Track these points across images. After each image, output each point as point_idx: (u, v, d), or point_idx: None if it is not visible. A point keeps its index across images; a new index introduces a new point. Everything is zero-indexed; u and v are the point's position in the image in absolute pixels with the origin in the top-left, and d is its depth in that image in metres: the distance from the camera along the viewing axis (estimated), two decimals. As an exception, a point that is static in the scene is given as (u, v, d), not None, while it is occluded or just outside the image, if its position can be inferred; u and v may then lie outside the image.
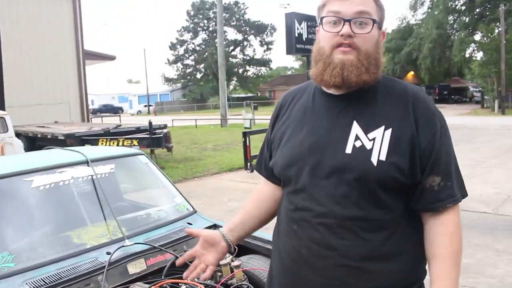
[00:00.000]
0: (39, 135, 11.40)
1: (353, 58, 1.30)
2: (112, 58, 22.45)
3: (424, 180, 1.31)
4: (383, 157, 1.27)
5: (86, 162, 2.75)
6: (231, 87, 62.52)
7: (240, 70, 62.81)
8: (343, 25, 1.29)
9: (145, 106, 57.48)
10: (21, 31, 16.74)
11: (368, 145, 1.29)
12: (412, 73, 46.79)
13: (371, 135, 1.30)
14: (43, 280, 2.06)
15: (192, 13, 60.01)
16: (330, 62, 1.32)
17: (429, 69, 41.92)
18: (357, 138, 1.31)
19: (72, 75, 18.40)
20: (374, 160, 1.27)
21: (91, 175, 2.70)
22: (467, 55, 39.28)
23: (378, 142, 1.28)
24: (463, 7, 40.93)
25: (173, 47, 61.53)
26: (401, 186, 1.29)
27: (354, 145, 1.30)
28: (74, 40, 18.31)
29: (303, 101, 1.47)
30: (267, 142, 1.60)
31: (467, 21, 40.46)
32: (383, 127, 1.30)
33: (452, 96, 43.14)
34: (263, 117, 23.85)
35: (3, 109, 8.88)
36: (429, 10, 43.07)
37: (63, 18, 18.06)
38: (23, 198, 2.50)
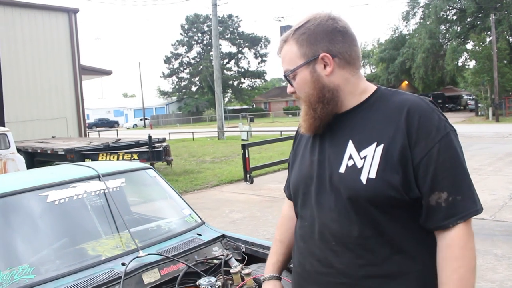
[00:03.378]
0: (38, 151, 11.44)
1: (302, 106, 1.42)
2: (108, 73, 22.56)
3: (429, 198, 1.24)
4: (372, 175, 1.25)
5: (98, 177, 2.84)
6: (226, 99, 62.71)
7: (235, 82, 63.08)
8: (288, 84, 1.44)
9: (141, 119, 57.53)
10: (18, 47, 16.85)
11: (359, 164, 1.29)
12: (406, 82, 47.18)
13: (363, 153, 1.30)
14: (62, 291, 2.14)
15: (186, 26, 60.40)
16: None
17: (422, 78, 42.30)
18: (350, 157, 1.32)
19: (69, 90, 18.50)
20: (363, 178, 1.26)
21: (103, 189, 2.79)
22: (459, 64, 39.71)
23: (369, 160, 1.27)
24: (455, 17, 41.49)
25: (167, 60, 61.83)
26: (398, 203, 1.25)
27: (347, 164, 1.31)
28: (70, 55, 18.44)
29: None
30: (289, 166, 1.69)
31: (458, 30, 40.98)
32: (374, 144, 1.28)
33: (447, 105, 43.48)
34: (260, 129, 24.02)
35: (3, 125, 8.94)
36: (421, 20, 43.58)
37: (60, 34, 18.21)
38: (39, 212, 2.58)
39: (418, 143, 1.24)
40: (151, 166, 3.30)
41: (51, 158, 10.82)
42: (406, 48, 42.80)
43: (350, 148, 1.33)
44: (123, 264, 2.39)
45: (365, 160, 1.28)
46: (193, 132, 26.15)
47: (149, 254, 2.50)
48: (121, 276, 2.26)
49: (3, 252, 2.34)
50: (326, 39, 1.34)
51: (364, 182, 1.26)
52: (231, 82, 61.56)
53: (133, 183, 3.19)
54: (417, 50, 40.92)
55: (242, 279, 2.42)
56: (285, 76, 1.42)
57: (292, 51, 1.38)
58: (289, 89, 1.43)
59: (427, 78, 43.00)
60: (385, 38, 48.91)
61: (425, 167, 1.23)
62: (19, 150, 11.62)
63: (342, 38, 1.35)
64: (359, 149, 1.31)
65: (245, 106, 63.09)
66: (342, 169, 1.32)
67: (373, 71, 54.85)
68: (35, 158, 11.69)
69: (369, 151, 1.28)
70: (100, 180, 2.83)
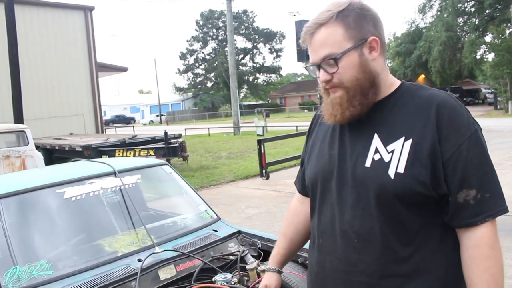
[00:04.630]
0: (56, 147, 11.59)
1: (336, 96, 1.31)
2: (124, 69, 22.72)
3: (457, 195, 1.22)
4: (401, 170, 1.22)
5: (114, 173, 2.85)
6: (242, 94, 62.81)
7: (250, 78, 63.05)
8: (319, 71, 1.33)
9: (157, 116, 57.93)
10: (36, 45, 17.05)
11: (387, 158, 1.26)
12: (423, 76, 46.61)
13: (390, 147, 1.26)
14: (79, 287, 2.16)
15: (201, 22, 60.51)
16: (326, 101, 1.37)
17: (439, 71, 41.69)
18: (376, 151, 1.28)
19: (86, 87, 18.68)
20: (391, 173, 1.23)
21: (119, 186, 2.80)
22: (478, 57, 39.04)
23: (396, 154, 1.24)
24: (473, 9, 40.74)
25: (183, 56, 62.06)
26: (425, 199, 1.23)
27: (373, 158, 1.28)
28: (87, 53, 18.60)
29: None
30: (302, 162, 1.65)
31: (477, 22, 40.24)
32: (402, 138, 1.25)
33: (465, 99, 42.80)
34: (275, 124, 23.98)
35: (22, 123, 9.08)
36: (438, 13, 42.92)
37: (76, 32, 18.38)
38: (56, 208, 2.60)
39: (448, 139, 1.22)
40: (167, 162, 3.30)
41: (69, 155, 10.96)
42: (422, 41, 42.22)
43: (376, 141, 1.29)
44: (139, 260, 2.40)
45: (393, 155, 1.25)
46: (208, 128, 26.22)
47: (165, 250, 2.50)
48: (137, 272, 2.28)
49: (22, 248, 2.36)
50: (371, 23, 1.31)
51: (392, 177, 1.23)
52: (246, 77, 61.57)
53: (149, 179, 3.20)
54: (433, 43, 40.34)
55: (258, 276, 2.41)
56: (324, 60, 1.29)
57: (337, 34, 1.28)
58: (325, 76, 1.31)
59: (444, 71, 42.38)
60: (401, 31, 48.18)
61: (454, 163, 1.21)
62: (37, 147, 11.78)
63: (381, 24, 1.34)
64: (386, 143, 1.27)
65: (260, 102, 63.06)
66: (367, 163, 1.28)
67: (389, 65, 54.35)
68: (54, 155, 11.85)
69: (397, 145, 1.25)
70: (116, 177, 2.85)
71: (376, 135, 1.30)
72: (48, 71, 17.47)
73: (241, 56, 61.11)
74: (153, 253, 2.46)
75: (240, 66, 57.83)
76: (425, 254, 1.25)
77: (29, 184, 2.61)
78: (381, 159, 1.26)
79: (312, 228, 1.49)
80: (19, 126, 7.97)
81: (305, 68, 1.40)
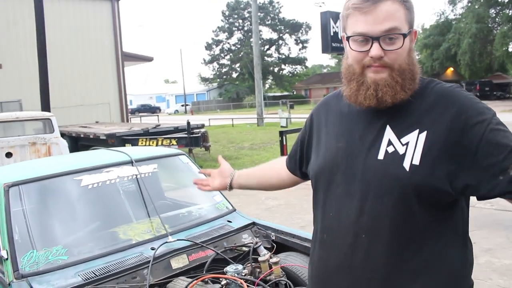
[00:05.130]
0: (81, 135, 11.82)
1: (386, 76, 1.23)
2: (149, 59, 22.91)
3: (507, 173, 1.12)
4: (416, 161, 1.18)
5: (131, 162, 2.89)
6: (267, 86, 62.64)
7: (276, 69, 62.83)
8: (372, 44, 1.21)
9: (182, 105, 58.39)
10: (64, 35, 17.36)
11: (401, 150, 1.21)
12: (451, 69, 45.61)
13: (404, 139, 1.22)
14: (93, 273, 2.20)
15: (227, 13, 60.48)
16: (363, 81, 1.26)
17: (469, 65, 40.68)
18: (389, 143, 1.24)
19: (112, 76, 18.94)
20: (406, 165, 1.19)
21: (136, 175, 2.84)
22: (510, 50, 37.98)
23: (411, 146, 1.20)
24: (506, 0, 39.57)
25: (209, 47, 62.21)
26: (440, 195, 1.19)
27: (386, 151, 1.23)
28: (113, 42, 18.85)
29: (339, 107, 1.42)
30: (300, 142, 1.61)
31: (510, 14, 39.07)
32: (417, 131, 1.21)
33: (494, 93, 41.69)
34: (299, 115, 23.83)
35: (49, 111, 9.28)
36: (469, 4, 41.82)
37: (103, 21, 18.63)
38: (73, 196, 2.66)
39: (470, 127, 1.16)
40: (184, 152, 3.32)
41: (93, 143, 11.14)
42: (451, 33, 41.24)
43: (389, 133, 1.25)
44: (152, 248, 2.43)
45: (408, 147, 1.21)
46: (232, 119, 26.28)
47: (178, 239, 2.53)
48: (149, 261, 2.30)
49: (40, 233, 2.43)
50: (414, 14, 1.27)
51: (408, 169, 1.19)
52: (271, 68, 61.39)
53: (165, 168, 3.23)
54: (463, 35, 39.34)
55: (270, 267, 2.42)
56: (389, 33, 1.21)
57: (401, 12, 1.22)
58: (380, 51, 1.21)
59: (473, 64, 41.32)
60: (430, 23, 47.10)
61: (486, 147, 1.14)
62: (63, 135, 12.05)
63: None
64: (399, 135, 1.23)
65: (285, 93, 62.81)
66: (381, 156, 1.23)
67: (417, 57, 53.34)
68: (79, 143, 12.07)
69: (411, 137, 1.21)
70: (132, 166, 2.88)
71: (388, 127, 1.25)
72: (75, 60, 17.77)
73: (266, 47, 60.90)
74: (166, 242, 2.48)
75: (265, 57, 57.63)
76: (434, 251, 1.22)
77: (48, 171, 2.67)
78: (395, 151, 1.22)
79: (316, 223, 1.45)
80: (45, 114, 8.15)
81: (348, 38, 1.27)
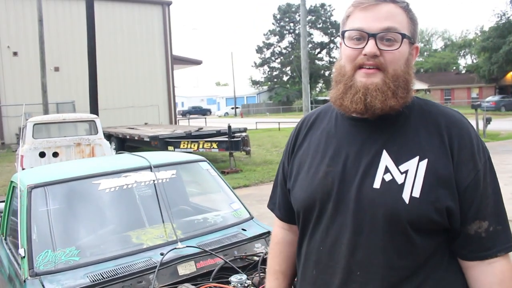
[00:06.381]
0: (128, 137, 12.22)
1: (378, 81, 1.14)
2: (198, 62, 23.38)
3: (468, 226, 1.12)
4: (416, 193, 1.10)
5: (149, 168, 2.96)
6: (317, 89, 62.17)
7: (326, 73, 62.29)
8: (367, 41, 1.14)
9: (232, 108, 58.98)
10: (117, 39, 18.04)
11: (400, 179, 1.12)
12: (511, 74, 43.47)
13: (403, 167, 1.13)
14: (101, 275, 2.27)
15: (278, 16, 60.58)
16: (352, 85, 1.17)
17: (532, 69, 38.72)
18: (387, 170, 1.14)
19: (161, 79, 19.50)
20: (406, 197, 1.10)
21: (153, 180, 2.90)
22: None
23: (411, 176, 1.11)
24: None
25: (259, 50, 62.53)
26: (439, 227, 1.12)
27: (383, 179, 1.14)
28: (163, 46, 19.40)
29: (325, 126, 1.31)
30: (282, 174, 1.43)
31: None
32: (417, 158, 1.13)
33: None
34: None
35: (97, 113, 9.67)
36: (534, 4, 39.75)
37: (154, 25, 19.23)
38: (90, 199, 2.76)
39: (463, 165, 1.12)
40: (204, 159, 3.36)
41: (138, 144, 11.51)
42: (513, 36, 39.34)
43: (386, 159, 1.15)
44: (161, 254, 2.47)
45: (407, 176, 1.12)
46: (279, 122, 26.27)
47: (187, 246, 2.56)
48: (156, 266, 2.35)
49: (56, 234, 2.53)
50: (417, 31, 1.24)
51: (407, 202, 1.10)
52: (322, 72, 60.91)
53: (185, 175, 3.28)
54: (526, 38, 37.43)
55: (277, 278, 2.40)
56: (388, 31, 1.15)
57: (403, 18, 1.17)
58: (373, 48, 1.13)
59: (537, 69, 39.27)
60: (489, 25, 45.02)
61: (471, 192, 1.12)
62: (111, 136, 12.50)
63: None
64: (397, 161, 1.14)
65: (335, 97, 61.99)
66: (376, 184, 1.13)
67: (474, 61, 51.30)
68: (125, 144, 12.50)
69: (410, 165, 1.13)
70: (151, 171, 2.95)
71: (385, 152, 1.16)
72: (127, 63, 18.45)
73: (317, 50, 60.53)
74: (175, 248, 2.52)
75: (316, 61, 57.29)
76: (433, 283, 1.15)
77: (69, 174, 2.78)
78: (393, 180, 1.12)
79: (302, 257, 1.31)
80: (89, 116, 8.49)
81: (343, 33, 1.21)
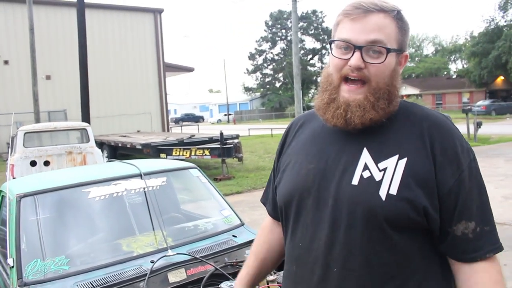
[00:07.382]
0: (120, 145, 12.19)
1: (359, 98, 1.17)
2: (190, 70, 23.41)
3: (455, 227, 1.13)
4: (393, 191, 1.11)
5: (140, 175, 2.96)
6: (310, 95, 62.37)
7: (319, 79, 62.19)
8: (353, 53, 1.16)
9: (225, 115, 59.04)
10: (109, 46, 18.04)
11: (378, 176, 1.14)
12: (501, 78, 43.87)
13: (382, 164, 1.15)
14: (91, 283, 2.26)
15: (270, 23, 60.82)
16: (335, 98, 1.21)
17: (520, 73, 39.05)
18: (365, 167, 1.16)
19: (153, 87, 19.50)
20: (382, 194, 1.12)
21: (143, 188, 2.90)
22: None
23: (389, 173, 1.13)
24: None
25: (252, 57, 62.68)
26: (417, 227, 1.13)
27: (361, 176, 1.15)
28: (155, 53, 19.43)
29: (312, 126, 1.35)
30: (274, 171, 1.48)
31: None
32: (396, 156, 1.14)
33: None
34: (339, 126, 23.50)
35: (89, 122, 9.64)
36: (522, 10, 40.19)
37: (145, 33, 19.26)
38: (80, 207, 2.75)
39: (445, 167, 1.13)
40: (195, 166, 3.37)
41: (130, 152, 11.48)
42: (502, 40, 39.66)
43: (365, 157, 1.17)
44: (151, 261, 2.47)
45: (385, 173, 1.13)
46: (271, 129, 26.31)
47: (177, 253, 2.56)
48: (146, 273, 2.34)
49: (45, 243, 2.52)
50: (408, 38, 1.23)
51: (384, 198, 1.11)
52: (314, 78, 61.10)
53: (175, 182, 3.28)
54: (514, 43, 37.80)
55: (267, 283, 2.40)
56: (373, 44, 1.16)
57: (391, 29, 1.17)
58: (359, 61, 1.15)
59: (526, 73, 39.61)
60: (478, 31, 45.50)
61: (455, 194, 1.12)
62: (104, 143, 12.46)
63: None
64: (377, 159, 1.15)
65: (328, 103, 62.22)
66: (355, 181, 1.15)
67: (464, 66, 51.71)
68: (118, 151, 12.46)
69: (389, 163, 1.14)
70: (141, 179, 2.95)
71: (365, 150, 1.18)
72: (119, 71, 18.44)
73: (309, 56, 60.78)
74: (165, 255, 2.52)
75: (308, 67, 57.52)
76: (413, 286, 1.14)
77: (59, 183, 2.77)
78: (371, 177, 1.14)
79: (286, 253, 1.34)
80: (81, 124, 8.46)
81: (330, 43, 1.23)
